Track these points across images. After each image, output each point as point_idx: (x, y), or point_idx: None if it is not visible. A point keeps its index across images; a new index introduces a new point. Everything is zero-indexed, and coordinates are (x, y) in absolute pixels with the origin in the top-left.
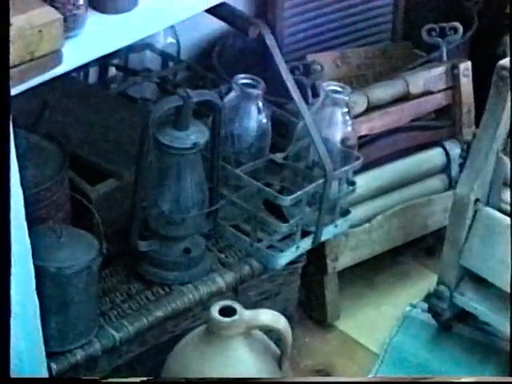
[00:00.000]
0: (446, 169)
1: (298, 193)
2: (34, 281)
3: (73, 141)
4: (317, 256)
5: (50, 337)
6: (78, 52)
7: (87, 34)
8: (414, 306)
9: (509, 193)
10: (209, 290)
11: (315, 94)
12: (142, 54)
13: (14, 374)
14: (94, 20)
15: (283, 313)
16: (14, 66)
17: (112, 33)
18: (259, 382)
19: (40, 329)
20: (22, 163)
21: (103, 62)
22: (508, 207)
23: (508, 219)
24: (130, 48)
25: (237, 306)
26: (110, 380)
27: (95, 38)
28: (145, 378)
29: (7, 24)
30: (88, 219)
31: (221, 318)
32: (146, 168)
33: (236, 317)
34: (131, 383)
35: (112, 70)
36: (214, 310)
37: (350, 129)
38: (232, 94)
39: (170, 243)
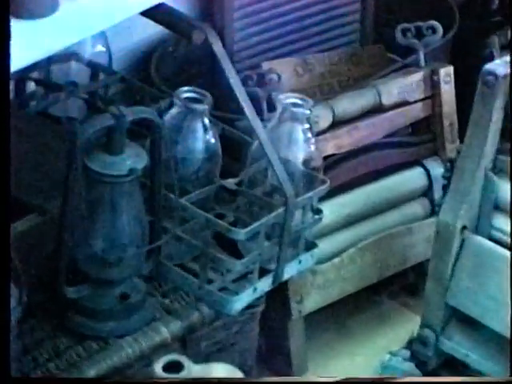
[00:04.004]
0: (427, 192)
1: (255, 224)
2: None
3: None
4: (279, 298)
5: None
6: None
7: None
8: (393, 355)
9: (501, 218)
10: (151, 343)
11: (271, 108)
12: (66, 65)
13: None
14: None
15: (240, 366)
16: None
17: (29, 42)
18: (259, 381)
19: None
20: None
21: (20, 76)
22: (500, 235)
23: (501, 249)
24: (52, 59)
25: (184, 360)
26: (110, 380)
27: None
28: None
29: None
30: None
31: (166, 375)
32: (74, 200)
33: (184, 373)
34: (131, 383)
35: (31, 86)
36: (158, 367)
37: (313, 148)
38: (174, 111)
39: (103, 288)
